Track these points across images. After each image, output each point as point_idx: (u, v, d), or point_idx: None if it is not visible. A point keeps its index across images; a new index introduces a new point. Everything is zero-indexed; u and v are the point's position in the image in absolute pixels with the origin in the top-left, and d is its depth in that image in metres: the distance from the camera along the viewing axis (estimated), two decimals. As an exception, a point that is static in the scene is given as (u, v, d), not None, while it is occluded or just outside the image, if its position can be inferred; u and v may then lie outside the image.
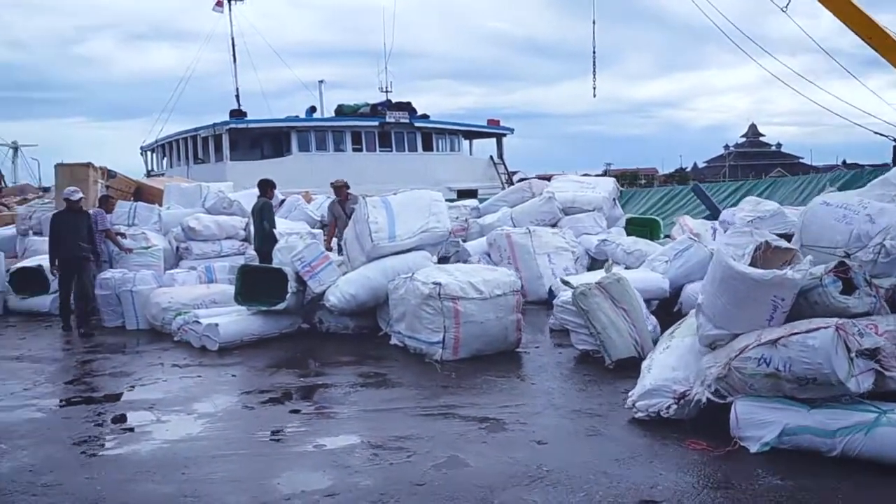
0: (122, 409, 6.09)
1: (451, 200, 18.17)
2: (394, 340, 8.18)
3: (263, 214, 11.00)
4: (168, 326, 9.36)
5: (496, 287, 7.64)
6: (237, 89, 33.60)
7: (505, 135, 33.57)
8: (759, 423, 4.63)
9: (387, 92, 31.84)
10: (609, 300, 7.17)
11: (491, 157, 33.12)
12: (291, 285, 8.88)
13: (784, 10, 17.98)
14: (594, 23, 22.33)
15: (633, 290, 7.41)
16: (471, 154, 34.09)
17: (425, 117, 31.15)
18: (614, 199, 13.61)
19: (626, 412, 5.49)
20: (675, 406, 5.20)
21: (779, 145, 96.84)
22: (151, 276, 10.45)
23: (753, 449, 4.58)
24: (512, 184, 32.86)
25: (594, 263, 11.95)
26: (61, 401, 6.53)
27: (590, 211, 12.88)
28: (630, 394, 5.47)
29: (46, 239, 10.78)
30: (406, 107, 30.46)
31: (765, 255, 5.17)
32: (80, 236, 10.00)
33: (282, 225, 13.37)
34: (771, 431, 4.58)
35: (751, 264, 4.97)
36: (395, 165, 29.29)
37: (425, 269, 8.01)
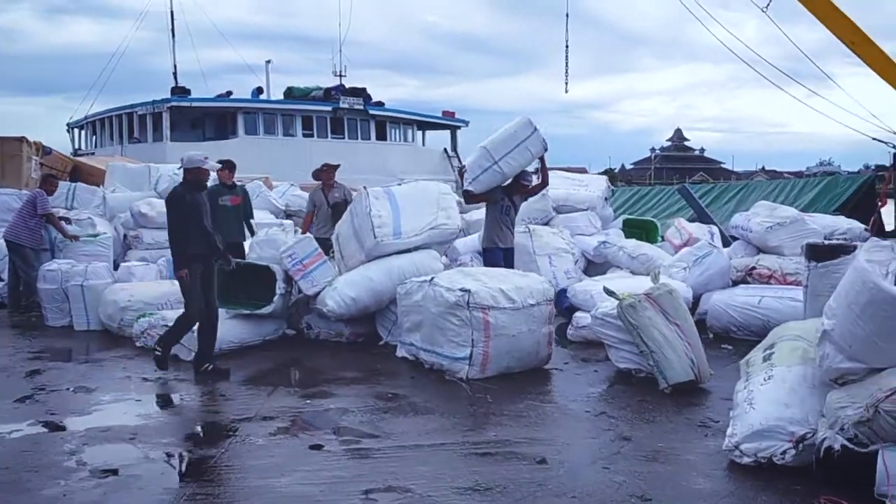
0: (97, 442, 4.91)
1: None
2: (402, 352, 7.14)
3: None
4: (127, 329, 8.10)
5: (529, 295, 6.68)
6: (175, 66, 31.61)
7: (459, 127, 32.63)
8: (918, 480, 3.81)
9: (340, 76, 30.50)
10: (661, 314, 6.29)
11: (445, 149, 32.14)
12: (280, 286, 7.73)
13: (764, 10, 17.63)
14: (567, 16, 21.58)
15: (685, 304, 6.56)
16: (423, 146, 32.98)
17: (380, 105, 29.92)
18: (605, 199, 12.81)
19: (716, 454, 4.63)
20: (792, 451, 4.34)
21: (702, 150, 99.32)
22: (105, 269, 9.12)
23: (910, 511, 3.76)
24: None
25: (590, 267, 11.13)
26: (13, 429, 5.25)
27: (583, 210, 12.03)
28: (731, 434, 4.58)
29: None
30: (361, 93, 29.14)
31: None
32: None
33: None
34: (935, 491, 3.76)
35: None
36: (347, 154, 27.82)
37: (446, 272, 6.98)
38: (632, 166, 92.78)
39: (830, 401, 4.25)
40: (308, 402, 5.91)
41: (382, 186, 8.26)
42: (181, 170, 6.88)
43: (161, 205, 12.09)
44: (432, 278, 6.79)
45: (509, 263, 8.42)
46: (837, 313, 4.32)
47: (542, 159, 8.90)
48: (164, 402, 5.97)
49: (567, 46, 22.14)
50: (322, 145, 28.35)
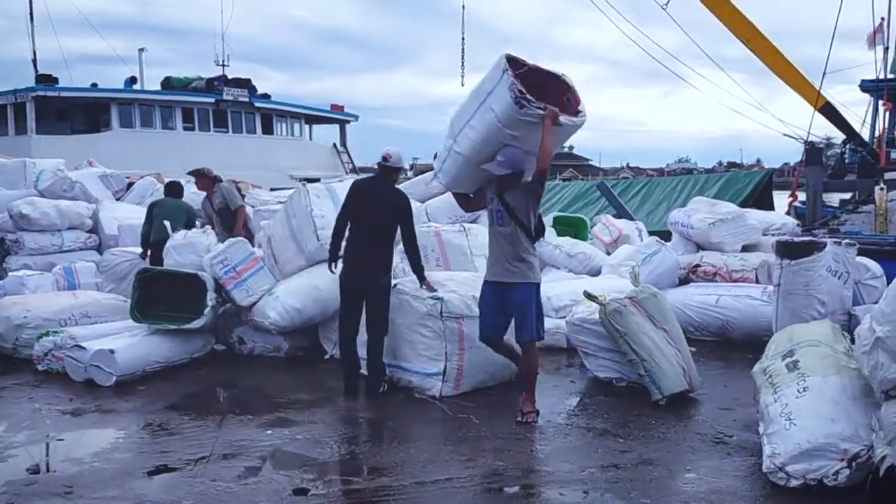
0: (24, 500, 3.94)
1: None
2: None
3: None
4: (24, 350, 6.93)
5: (503, 302, 6.10)
6: (34, 52, 28.93)
7: (349, 121, 31.58)
8: None
9: (223, 66, 28.78)
10: (648, 319, 5.88)
11: (334, 144, 31.05)
12: (210, 296, 6.81)
13: (664, 7, 17.88)
14: (463, 7, 21.22)
15: (670, 307, 6.19)
16: (311, 140, 31.73)
17: (266, 97, 28.45)
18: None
19: (751, 475, 4.24)
20: (846, 471, 3.98)
21: (571, 147, 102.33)
22: (-9, 279, 7.84)
23: None
24: (357, 173, 31.11)
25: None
26: None
27: (511, 207, 11.58)
28: (772, 454, 4.17)
29: None
30: (245, 84, 27.56)
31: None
32: None
33: (135, 213, 10.96)
34: None
35: None
36: (232, 148, 26.44)
37: (407, 278, 6.28)
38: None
39: (887, 414, 3.92)
40: (269, 432, 5.09)
41: (323, 183, 7.46)
42: (387, 166, 5.97)
43: (44, 204, 10.81)
44: (395, 285, 6.09)
45: (501, 309, 5.41)
46: (892, 319, 3.99)
47: (544, 126, 4.99)
48: (94, 440, 4.98)
49: (463, 39, 21.81)
50: (204, 139, 26.69)
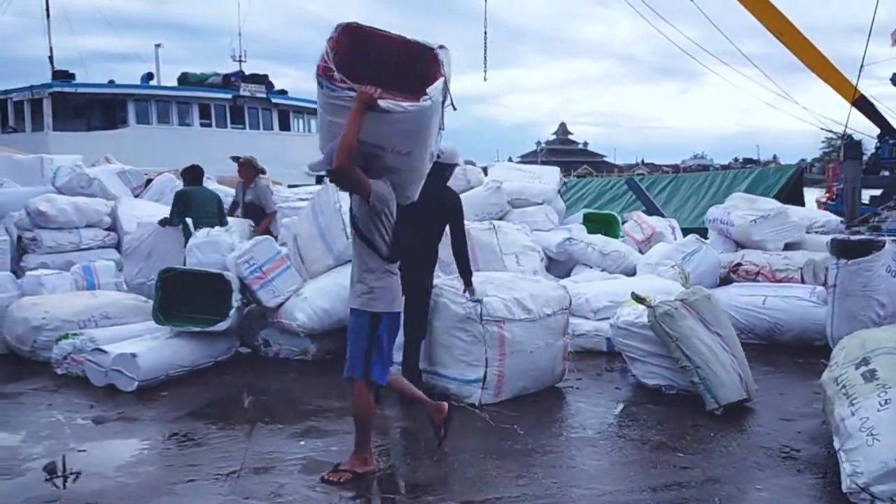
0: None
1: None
2: (389, 373, 6.07)
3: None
4: (42, 353, 6.66)
5: (545, 304, 5.77)
6: (51, 49, 28.76)
7: (365, 117, 31.25)
8: None
9: (240, 62, 28.58)
10: (701, 323, 5.53)
11: (351, 140, 30.69)
12: (236, 297, 6.51)
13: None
14: (486, 1, 20.90)
15: (723, 309, 5.84)
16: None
17: (283, 93, 28.21)
18: (559, 192, 12.06)
19: (830, 496, 3.90)
20: (939, 493, 3.64)
21: (585, 144, 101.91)
22: (8, 279, 7.56)
23: None
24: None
25: (551, 265, 10.35)
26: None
27: (539, 204, 11.23)
28: (853, 472, 3.82)
29: None
30: (262, 80, 27.34)
31: None
32: None
33: (154, 210, 10.69)
34: None
35: None
36: (248, 145, 26.01)
37: (444, 278, 5.95)
38: (518, 160, 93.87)
39: None
40: (301, 443, 4.79)
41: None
42: (439, 163, 5.23)
43: (61, 201, 10.55)
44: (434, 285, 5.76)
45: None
46: None
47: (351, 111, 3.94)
48: (118, 452, 4.68)
49: (485, 32, 21.52)
50: (221, 135, 26.48)
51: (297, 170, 26.12)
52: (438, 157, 5.45)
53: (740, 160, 79.75)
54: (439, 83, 4.03)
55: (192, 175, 8.99)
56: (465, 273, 5.59)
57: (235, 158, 9.33)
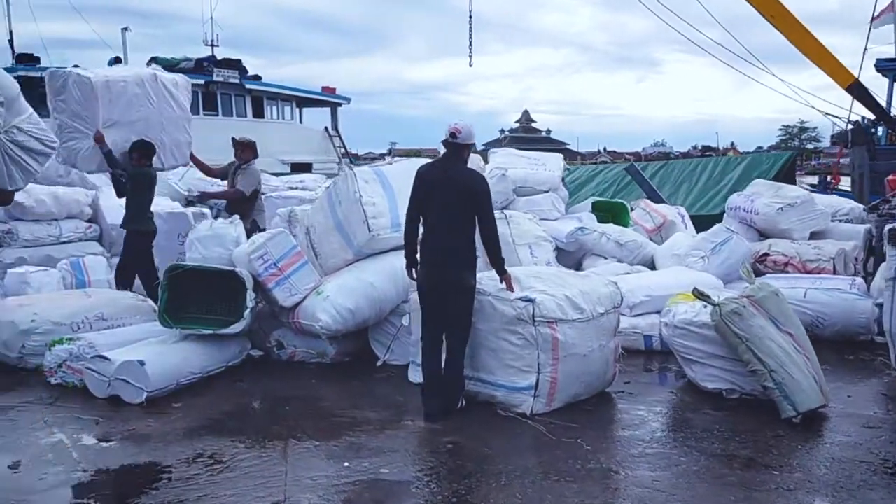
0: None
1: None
2: (418, 377, 5.50)
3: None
4: (33, 360, 6.02)
5: (597, 302, 5.28)
6: (10, 33, 27.39)
7: (340, 104, 30.49)
8: None
9: (213, 46, 27.56)
10: (771, 322, 5.08)
11: (326, 128, 29.96)
12: (250, 296, 5.93)
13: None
14: (470, -12, 20.28)
15: (791, 307, 5.40)
16: (302, 123, 30.57)
17: (257, 78, 27.26)
18: (562, 179, 11.58)
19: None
20: None
21: (548, 131, 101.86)
22: (-11, 277, 6.87)
23: None
24: (350, 158, 30.02)
25: (560, 255, 9.87)
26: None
27: (544, 192, 10.74)
28: None
29: None
30: (236, 65, 26.33)
31: None
32: None
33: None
34: None
35: None
36: (221, 132, 25.18)
37: (485, 274, 5.38)
38: (483, 147, 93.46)
39: None
40: (346, 465, 4.24)
41: (370, 166, 6.59)
42: (456, 144, 5.03)
43: (39, 191, 9.79)
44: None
45: None
46: None
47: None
48: (136, 480, 4.09)
49: (470, 17, 20.93)
50: (193, 123, 25.49)
51: (270, 158, 25.37)
52: (455, 137, 4.95)
53: (699, 147, 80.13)
54: None
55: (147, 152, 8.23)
56: (497, 263, 5.08)
57: (240, 140, 8.82)
